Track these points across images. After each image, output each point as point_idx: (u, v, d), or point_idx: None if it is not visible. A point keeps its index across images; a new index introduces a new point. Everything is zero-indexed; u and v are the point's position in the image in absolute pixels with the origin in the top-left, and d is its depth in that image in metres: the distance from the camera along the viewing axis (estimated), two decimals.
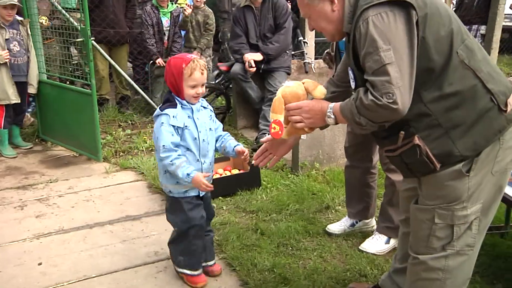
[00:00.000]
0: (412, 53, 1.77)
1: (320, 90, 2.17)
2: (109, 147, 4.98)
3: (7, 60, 4.55)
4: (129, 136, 5.28)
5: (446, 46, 1.82)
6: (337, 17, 1.93)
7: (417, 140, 1.88)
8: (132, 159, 4.68)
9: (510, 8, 8.79)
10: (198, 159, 2.58)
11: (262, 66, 5.12)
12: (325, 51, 3.55)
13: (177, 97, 2.50)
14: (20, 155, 4.84)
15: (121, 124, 5.68)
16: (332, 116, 2.00)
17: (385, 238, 3.13)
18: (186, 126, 2.49)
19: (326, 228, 3.33)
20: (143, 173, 4.39)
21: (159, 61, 5.74)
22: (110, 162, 4.66)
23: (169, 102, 2.52)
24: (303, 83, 2.20)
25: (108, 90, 5.97)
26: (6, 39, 4.63)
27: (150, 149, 4.94)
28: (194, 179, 2.45)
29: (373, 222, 3.37)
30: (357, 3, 1.84)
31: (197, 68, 2.44)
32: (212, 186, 2.54)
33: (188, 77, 2.44)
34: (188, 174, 2.44)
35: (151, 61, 5.78)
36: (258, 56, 5.07)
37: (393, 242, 3.09)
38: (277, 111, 2.13)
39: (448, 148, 1.87)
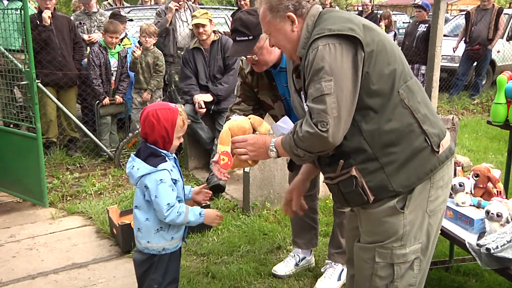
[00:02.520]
0: (354, 87, 1.85)
1: (265, 126, 2.32)
2: (56, 191, 4.83)
3: None
4: (77, 180, 5.15)
5: (388, 84, 1.91)
6: (296, 37, 2.03)
7: (354, 172, 1.95)
8: (80, 203, 4.55)
9: (453, 50, 9.28)
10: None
11: (212, 107, 5.16)
12: None
13: (161, 150, 2.37)
14: None
15: (69, 167, 5.53)
16: (274, 150, 2.11)
17: (337, 272, 3.17)
18: (177, 179, 2.42)
19: (273, 271, 3.32)
20: (91, 217, 4.27)
21: (106, 100, 5.69)
22: (57, 207, 4.52)
23: (155, 156, 2.35)
24: (249, 119, 2.32)
25: (56, 133, 5.83)
26: None
27: (99, 192, 4.83)
28: (208, 216, 2.42)
29: (313, 259, 3.45)
30: (312, 32, 1.95)
31: (186, 118, 2.41)
32: (223, 215, 2.53)
33: (181, 128, 2.38)
34: (200, 214, 2.40)
35: (97, 102, 5.71)
36: (208, 97, 5.11)
37: (344, 274, 3.12)
38: (225, 143, 2.23)
39: (383, 182, 1.94)
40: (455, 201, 2.75)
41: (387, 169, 1.93)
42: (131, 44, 6.08)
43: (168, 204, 2.30)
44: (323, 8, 2.05)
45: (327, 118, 1.82)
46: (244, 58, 2.73)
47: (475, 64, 9.20)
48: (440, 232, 2.65)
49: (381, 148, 1.92)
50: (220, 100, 5.15)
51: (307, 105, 1.91)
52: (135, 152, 2.45)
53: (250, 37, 2.51)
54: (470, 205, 2.73)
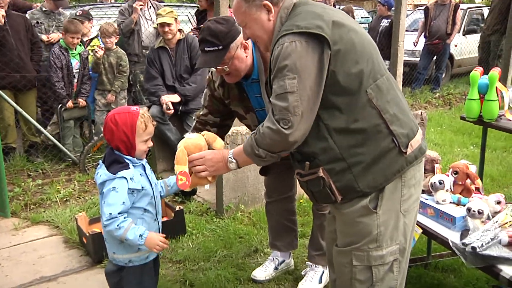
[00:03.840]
0: (318, 86, 1.83)
1: (220, 142, 2.35)
2: (18, 200, 4.60)
3: None
4: (40, 187, 4.92)
5: (356, 83, 1.88)
6: (272, 27, 1.99)
7: (321, 172, 1.94)
8: (44, 212, 4.35)
9: (414, 44, 9.43)
10: (155, 219, 2.39)
11: (180, 108, 5.05)
12: None
13: (125, 156, 2.25)
14: None
15: (31, 173, 5.29)
16: (234, 161, 2.12)
17: (318, 275, 3.13)
18: (143, 187, 2.28)
19: (252, 275, 3.25)
20: (58, 226, 4.09)
21: (69, 104, 5.46)
22: (20, 217, 4.30)
23: (118, 163, 2.23)
24: (203, 135, 2.31)
25: (15, 138, 5.57)
26: None
27: (65, 199, 4.64)
28: (149, 240, 2.20)
29: (292, 262, 3.40)
30: (282, 27, 1.92)
31: (149, 120, 2.28)
32: (168, 242, 2.35)
33: (143, 131, 2.25)
34: (140, 236, 2.19)
35: (60, 105, 5.48)
36: (176, 98, 5.00)
37: (325, 277, 3.09)
38: (182, 162, 2.19)
39: (350, 183, 1.93)
40: (436, 199, 2.75)
41: (354, 169, 1.92)
42: (100, 45, 5.85)
43: (110, 214, 2.17)
44: None
45: (289, 116, 1.82)
46: (214, 69, 2.62)
47: (435, 58, 9.38)
48: (422, 231, 2.67)
49: (348, 148, 1.91)
50: (188, 100, 5.04)
51: (270, 100, 1.90)
52: (102, 158, 2.34)
53: (220, 47, 2.39)
54: (450, 202, 2.73)
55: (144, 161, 2.38)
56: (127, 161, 2.26)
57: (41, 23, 5.92)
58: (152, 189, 2.35)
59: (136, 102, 6.33)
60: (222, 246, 3.66)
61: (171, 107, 4.93)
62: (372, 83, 1.90)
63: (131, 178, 2.22)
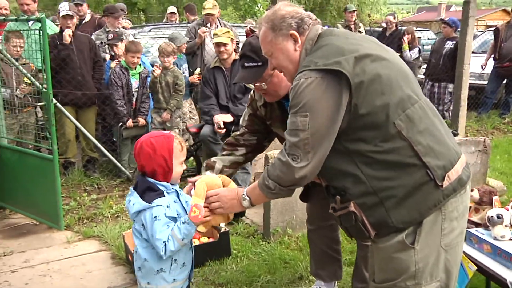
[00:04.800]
0: (332, 122, 1.79)
1: (233, 186, 2.38)
2: (73, 213, 4.73)
3: None
4: (94, 201, 5.04)
5: (382, 115, 1.79)
6: (298, 58, 1.95)
7: (352, 207, 1.86)
8: (96, 226, 4.43)
9: (481, 67, 9.01)
10: (190, 247, 2.35)
11: (233, 128, 5.03)
12: None
13: (159, 183, 2.20)
14: None
15: (87, 188, 5.44)
16: (247, 198, 2.13)
17: None
18: (178, 214, 2.23)
19: None
20: (107, 242, 4.14)
21: (129, 122, 5.60)
22: (73, 230, 4.41)
23: (152, 190, 2.18)
24: (219, 177, 2.38)
25: (75, 153, 5.77)
26: None
27: (116, 215, 4.72)
28: (193, 218, 2.13)
29: None
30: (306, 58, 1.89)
31: (183, 141, 2.27)
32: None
33: (180, 152, 2.22)
34: (184, 222, 2.15)
35: (120, 123, 5.63)
36: (228, 118, 4.99)
37: None
38: (200, 195, 2.19)
39: (382, 218, 1.83)
40: (493, 235, 2.54)
41: (386, 203, 1.82)
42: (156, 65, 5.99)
43: (164, 242, 2.13)
44: (331, 26, 1.94)
45: (298, 152, 1.83)
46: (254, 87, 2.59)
47: (505, 81, 8.91)
48: (476, 268, 2.45)
49: (379, 181, 1.82)
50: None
51: (285, 134, 1.91)
52: (133, 185, 2.29)
53: (259, 63, 2.36)
54: (510, 239, 2.51)
55: (177, 187, 2.33)
56: (161, 188, 2.21)
57: (104, 43, 6.15)
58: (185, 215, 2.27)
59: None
60: (266, 271, 3.56)
61: (223, 127, 4.92)
62: (402, 113, 1.81)
63: (167, 206, 2.18)
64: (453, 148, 1.92)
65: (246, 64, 2.40)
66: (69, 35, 5.40)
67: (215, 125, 4.93)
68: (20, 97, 5.01)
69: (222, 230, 3.84)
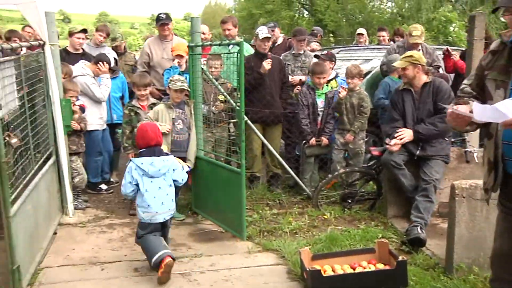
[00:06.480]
0: None
1: None
2: (255, 225, 5.00)
3: (167, 132, 4.95)
4: (275, 216, 5.27)
5: None
6: None
7: None
8: (275, 240, 4.62)
9: None
10: None
11: (417, 153, 4.82)
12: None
13: None
14: (173, 225, 5.07)
15: (269, 202, 5.72)
16: None
17: None
18: None
19: None
20: (284, 256, 4.29)
21: (312, 141, 5.75)
22: (254, 242, 4.66)
23: None
24: None
25: (260, 168, 6.12)
26: (173, 118, 5.07)
27: (295, 231, 4.86)
28: None
29: None
30: None
31: None
32: None
33: None
34: None
35: (304, 141, 5.81)
36: (409, 134, 4.81)
37: None
38: None
39: None
40: None
41: None
42: (337, 86, 6.09)
43: None
44: None
45: None
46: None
47: None
48: None
49: None
50: (426, 145, 4.79)
51: None
52: None
53: None
54: None
55: None
56: None
57: (288, 64, 6.43)
58: None
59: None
60: None
61: (399, 142, 4.77)
62: None
63: None
64: None
65: None
66: (269, 64, 5.73)
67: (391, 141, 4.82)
68: (215, 113, 5.50)
69: (400, 258, 3.69)
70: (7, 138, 3.83)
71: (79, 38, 6.42)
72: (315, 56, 6.38)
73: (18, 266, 3.61)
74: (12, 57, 4.23)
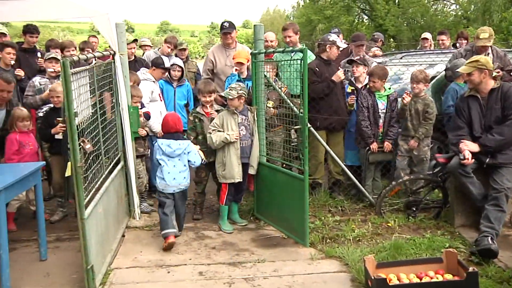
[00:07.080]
0: None
1: None
2: (317, 232, 4.98)
3: (236, 140, 5.03)
4: (337, 223, 5.24)
5: None
6: None
7: None
8: (338, 247, 4.59)
9: None
10: None
11: (487, 161, 4.65)
12: None
13: None
14: (235, 231, 5.16)
15: (331, 209, 5.69)
16: None
17: None
18: None
19: None
20: (347, 264, 4.25)
21: (374, 146, 5.66)
22: (316, 248, 4.64)
23: None
24: None
25: (323, 174, 6.10)
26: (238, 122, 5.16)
27: (358, 239, 4.80)
28: None
29: None
30: None
31: None
32: None
33: None
34: None
35: (366, 147, 5.73)
36: (475, 148, 4.65)
37: None
38: None
39: None
40: None
41: None
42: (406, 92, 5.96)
43: None
44: None
45: None
46: None
47: None
48: None
49: None
50: (497, 152, 4.61)
51: None
52: None
53: None
54: None
55: None
56: None
57: (348, 70, 6.38)
58: None
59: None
60: None
61: (467, 157, 4.59)
62: None
63: None
64: None
65: None
66: (342, 76, 5.80)
67: (459, 154, 4.64)
68: (267, 119, 5.52)
69: (470, 269, 3.57)
70: (81, 144, 4.03)
71: (130, 48, 6.94)
72: (349, 61, 6.31)
73: (92, 266, 3.79)
74: (87, 67, 4.45)
